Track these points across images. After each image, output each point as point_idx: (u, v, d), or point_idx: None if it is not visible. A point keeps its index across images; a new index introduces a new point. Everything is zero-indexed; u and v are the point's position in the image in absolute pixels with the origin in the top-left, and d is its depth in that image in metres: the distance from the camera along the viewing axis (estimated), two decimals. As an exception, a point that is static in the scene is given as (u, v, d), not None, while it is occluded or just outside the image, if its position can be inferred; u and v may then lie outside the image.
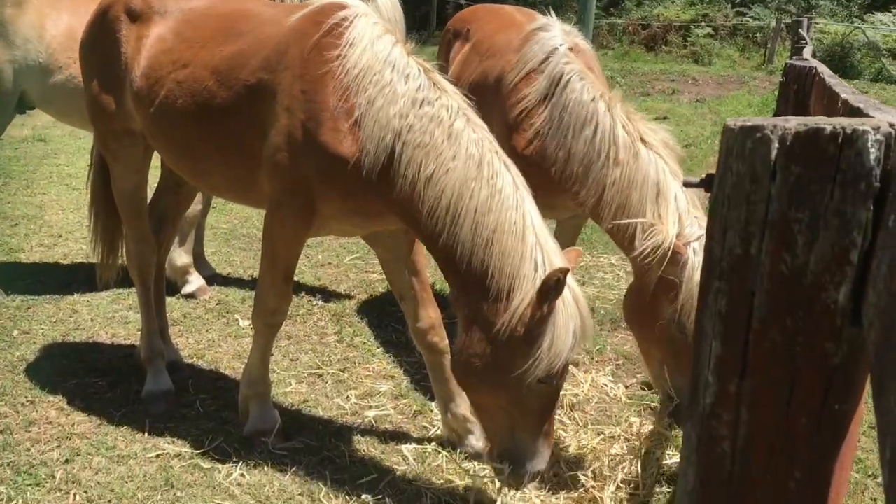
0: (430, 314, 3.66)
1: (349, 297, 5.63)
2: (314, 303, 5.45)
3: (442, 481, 3.45)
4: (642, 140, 3.37)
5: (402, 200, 3.06)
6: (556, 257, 2.88)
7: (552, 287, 2.76)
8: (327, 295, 5.63)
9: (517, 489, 3.13)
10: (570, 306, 2.85)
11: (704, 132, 11.54)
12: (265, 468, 3.48)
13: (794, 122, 0.98)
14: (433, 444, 3.77)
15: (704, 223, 3.10)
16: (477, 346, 2.90)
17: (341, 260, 6.41)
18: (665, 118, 12.78)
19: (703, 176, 1.19)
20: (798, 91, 3.91)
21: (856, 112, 1.34)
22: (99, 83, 3.95)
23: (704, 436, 1.09)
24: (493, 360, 2.86)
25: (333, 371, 4.48)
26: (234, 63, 3.41)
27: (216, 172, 3.61)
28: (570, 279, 2.83)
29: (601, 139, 3.38)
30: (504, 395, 2.90)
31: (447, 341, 3.64)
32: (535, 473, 3.00)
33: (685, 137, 11.06)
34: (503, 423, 2.99)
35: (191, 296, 5.43)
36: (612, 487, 3.38)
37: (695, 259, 3.00)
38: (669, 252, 3.04)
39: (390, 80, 3.09)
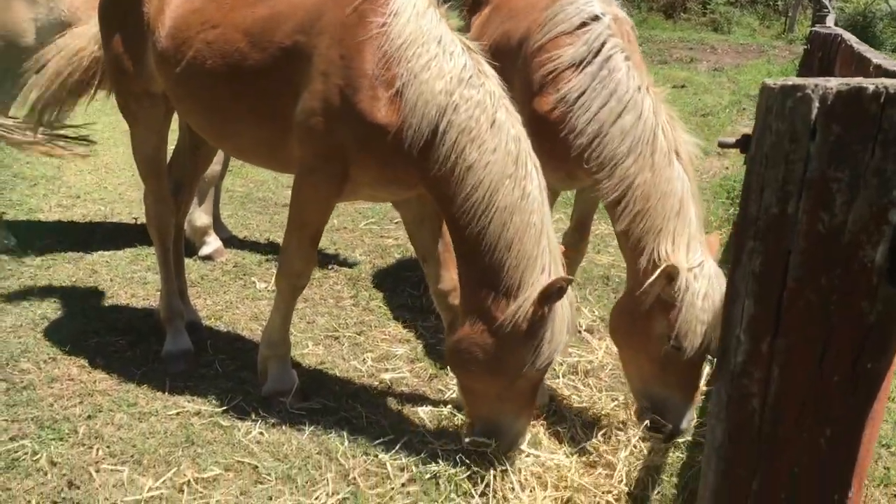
0: (453, 276, 3.69)
1: (365, 261, 5.65)
2: (330, 267, 5.48)
3: (456, 444, 3.49)
4: (676, 152, 3.25)
5: (439, 180, 3.10)
6: (559, 263, 3.11)
7: (555, 292, 2.98)
8: (343, 259, 5.66)
9: (504, 461, 3.28)
10: (566, 307, 3.08)
11: (722, 101, 11.43)
12: (283, 427, 3.53)
13: (835, 82, 0.98)
14: (448, 407, 3.81)
15: (706, 248, 3.20)
16: (479, 337, 3.10)
17: (357, 225, 6.43)
18: (683, 86, 12.68)
19: (740, 136, 1.19)
20: (823, 58, 3.87)
21: (892, 75, 1.33)
22: (119, 43, 3.93)
23: (735, 394, 1.10)
24: (495, 350, 3.08)
25: (350, 334, 4.52)
26: (267, 25, 3.38)
27: (245, 134, 3.60)
28: None
29: (640, 135, 3.21)
30: (500, 382, 3.13)
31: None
32: (516, 447, 3.29)
33: (703, 106, 10.98)
34: (492, 406, 3.24)
35: (208, 258, 5.47)
36: (626, 452, 3.41)
37: (696, 285, 3.04)
38: (681, 278, 3.05)
39: (435, 54, 3.09)
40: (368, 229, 6.36)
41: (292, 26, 3.32)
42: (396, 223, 6.45)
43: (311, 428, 3.53)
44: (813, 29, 4.21)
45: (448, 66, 3.09)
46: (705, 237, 3.26)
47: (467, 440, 3.33)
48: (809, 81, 1.00)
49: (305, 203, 3.46)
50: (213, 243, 5.52)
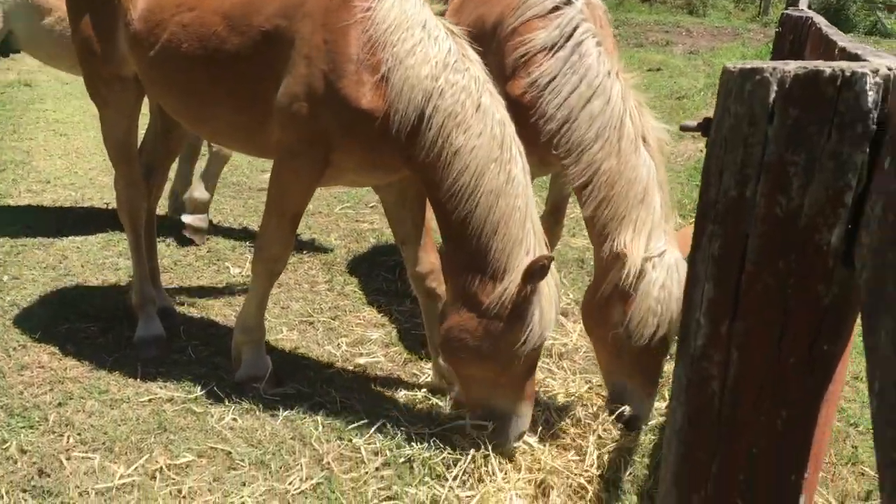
0: (431, 259, 3.71)
1: (340, 246, 5.63)
2: (305, 251, 5.45)
3: (431, 428, 3.49)
4: (644, 138, 3.26)
5: (426, 166, 3.11)
6: (543, 245, 3.13)
7: (537, 270, 2.99)
8: (318, 244, 5.63)
9: (504, 447, 3.27)
10: (551, 286, 3.10)
11: (697, 84, 11.47)
12: (257, 413, 3.52)
13: (793, 65, 0.98)
14: (423, 391, 3.81)
15: (671, 237, 3.20)
16: (469, 323, 3.11)
17: (332, 209, 6.40)
18: (658, 70, 12.70)
19: (701, 120, 1.19)
20: (794, 41, 3.88)
21: (853, 58, 1.34)
22: (89, 25, 3.86)
23: (694, 377, 1.11)
24: (485, 335, 3.09)
25: (324, 319, 4.50)
26: (247, 8, 3.34)
27: (222, 118, 3.56)
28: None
29: (608, 121, 3.22)
30: (494, 365, 3.13)
31: (444, 288, 3.72)
32: (521, 433, 3.26)
33: (678, 89, 11.01)
34: (490, 391, 3.24)
35: (187, 231, 5.37)
36: (595, 436, 3.43)
37: (653, 274, 3.05)
38: (636, 267, 3.06)
39: (420, 39, 3.09)
40: (344, 213, 6.33)
41: (273, 10, 3.28)
42: (372, 207, 6.43)
43: (285, 413, 3.52)
44: (785, 12, 4.22)
45: (433, 50, 3.09)
46: (685, 227, 3.28)
47: (468, 422, 3.33)
48: (768, 65, 1.00)
49: (286, 188, 3.44)
50: (199, 219, 5.41)
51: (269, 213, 3.52)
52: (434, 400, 3.74)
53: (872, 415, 0.66)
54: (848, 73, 0.93)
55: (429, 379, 3.91)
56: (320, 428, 3.43)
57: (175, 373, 3.85)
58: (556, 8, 3.43)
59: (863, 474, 3.38)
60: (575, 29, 3.34)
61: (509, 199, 3.04)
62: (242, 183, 6.98)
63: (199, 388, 3.70)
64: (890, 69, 0.97)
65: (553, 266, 3.09)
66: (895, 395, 0.58)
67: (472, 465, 3.23)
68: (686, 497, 1.13)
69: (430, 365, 3.93)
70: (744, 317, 1.04)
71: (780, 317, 1.00)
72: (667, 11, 20.09)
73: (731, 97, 1.03)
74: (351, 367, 4.01)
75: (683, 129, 1.31)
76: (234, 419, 3.47)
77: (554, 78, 3.28)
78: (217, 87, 3.46)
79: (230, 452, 3.25)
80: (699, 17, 19.47)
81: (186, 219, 5.37)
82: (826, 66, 0.95)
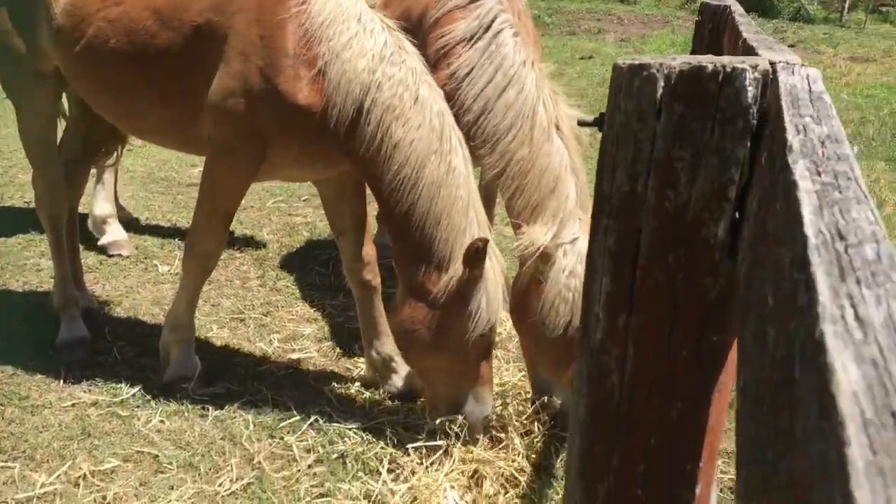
0: (367, 251, 3.71)
1: (272, 240, 5.56)
2: (236, 247, 5.36)
3: (365, 422, 3.48)
4: (557, 126, 3.27)
5: (367, 160, 3.12)
6: (486, 232, 3.16)
7: (473, 254, 3.01)
8: (250, 239, 5.55)
9: (473, 436, 3.27)
10: (497, 270, 3.14)
11: (629, 72, 11.62)
12: (186, 414, 3.46)
13: (679, 61, 0.99)
14: (357, 385, 3.79)
15: (587, 225, 3.20)
16: (418, 315, 3.14)
17: (264, 203, 6.31)
18: (591, 57, 12.83)
19: (598, 115, 1.20)
20: (713, 30, 3.95)
21: (750, 51, 1.36)
22: (6, 18, 3.72)
23: (595, 370, 1.12)
24: (435, 324, 3.12)
25: (256, 315, 4.44)
26: (177, 3, 3.27)
27: (152, 115, 3.49)
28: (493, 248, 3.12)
29: (521, 110, 3.23)
30: (449, 354, 3.16)
31: (380, 279, 3.78)
32: (484, 418, 3.28)
33: (609, 77, 11.15)
34: (448, 380, 3.26)
35: (107, 248, 5.18)
36: (529, 423, 3.46)
37: (563, 261, 3.09)
38: (538, 253, 3.09)
39: (356, 32, 3.09)
40: (276, 207, 6.25)
41: (205, 4, 3.23)
42: (305, 200, 6.36)
43: (215, 413, 3.46)
44: (704, 0, 4.29)
45: (369, 43, 3.09)
46: None
47: (437, 421, 3.30)
48: (655, 60, 1.01)
49: (219, 184, 3.39)
50: (113, 233, 5.22)
51: (202, 210, 3.46)
52: (367, 394, 3.73)
53: (736, 411, 0.67)
54: (729, 69, 0.94)
55: (362, 373, 3.89)
56: (251, 427, 3.39)
57: (100, 375, 3.75)
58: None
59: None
60: (494, 19, 3.35)
61: (451, 189, 3.07)
62: (171, 178, 6.83)
63: (125, 390, 3.61)
64: (772, 64, 0.98)
65: (497, 251, 3.13)
66: (757, 391, 0.59)
67: (407, 458, 3.23)
68: (591, 488, 1.14)
69: (363, 359, 3.91)
70: (638, 311, 1.05)
71: (670, 311, 1.02)
72: (599, -1, 20.31)
73: (621, 93, 1.03)
74: (283, 364, 3.96)
75: (581, 124, 1.32)
76: (162, 421, 3.40)
77: (472, 69, 3.29)
78: (147, 83, 3.39)
79: (157, 456, 3.18)
80: (630, 5, 19.74)
81: (102, 241, 5.16)
82: (708, 62, 0.96)
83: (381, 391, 3.74)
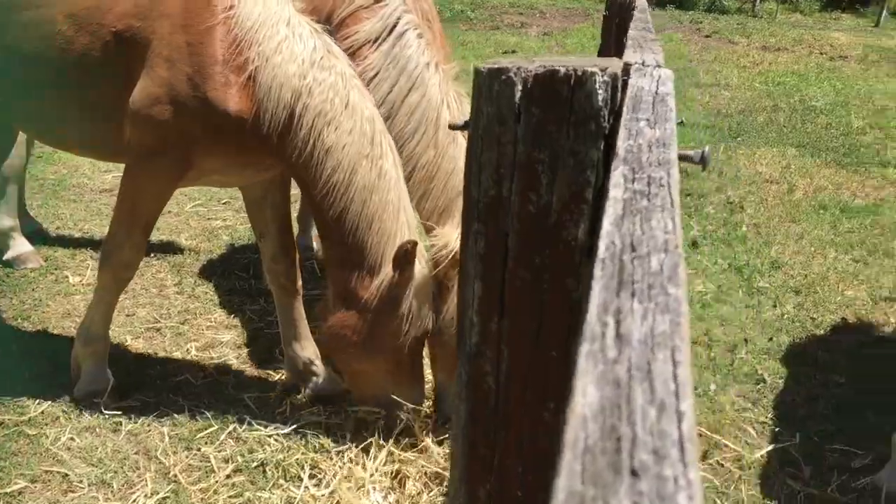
0: (289, 252, 3.66)
1: (191, 246, 5.44)
2: (153, 254, 5.22)
3: (285, 428, 3.44)
4: None
5: (300, 165, 3.10)
6: (416, 236, 3.17)
7: (402, 256, 3.03)
8: (167, 245, 5.42)
9: (397, 433, 3.28)
10: (427, 273, 3.16)
11: (550, 65, 11.75)
12: (98, 430, 3.36)
13: (535, 65, 0.99)
14: (277, 390, 3.74)
15: None
16: (349, 319, 3.14)
17: (182, 208, 6.16)
18: (513, 52, 12.93)
19: (466, 120, 1.20)
20: (619, 24, 4.03)
21: (622, 48, 1.38)
22: None
23: (473, 374, 1.12)
24: (367, 329, 3.12)
25: (173, 324, 4.34)
26: (95, 7, 3.17)
27: (71, 123, 3.38)
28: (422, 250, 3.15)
29: (425, 113, 3.23)
30: (380, 357, 3.18)
31: (300, 283, 3.75)
32: (418, 411, 3.31)
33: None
34: (379, 382, 3.27)
35: (11, 263, 4.95)
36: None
37: None
38: (451, 256, 3.10)
39: (285, 36, 3.06)
40: (195, 212, 6.12)
41: (125, 9, 3.15)
42: (225, 203, 6.25)
43: (129, 427, 3.37)
44: (610, -5, 4.38)
45: (299, 48, 3.06)
46: None
47: (355, 409, 3.37)
48: (513, 64, 1.01)
49: (140, 192, 3.31)
50: (18, 247, 4.98)
51: (120, 218, 3.37)
52: (288, 399, 3.68)
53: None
54: (580, 73, 0.95)
55: (283, 377, 3.84)
56: (166, 439, 3.31)
57: (6, 393, 3.60)
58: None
59: (701, 435, 3.57)
60: (398, 20, 3.34)
61: (382, 193, 3.08)
62: (84, 185, 6.62)
63: (32, 408, 3.48)
64: (628, 65, 1.00)
65: (425, 257, 3.16)
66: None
67: (329, 462, 3.20)
68: (473, 492, 1.14)
69: (283, 364, 3.85)
70: (509, 314, 1.06)
71: (538, 313, 1.02)
72: (521, -7, 20.47)
73: (482, 97, 1.04)
74: (200, 373, 3.88)
75: (451, 127, 1.32)
76: (72, 438, 3.29)
77: (377, 73, 3.29)
78: (63, 91, 3.30)
79: (67, 475, 3.08)
80: (552, -1, 19.95)
81: (7, 256, 4.91)
82: (561, 66, 0.97)
83: (303, 395, 3.70)
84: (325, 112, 3.03)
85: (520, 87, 0.99)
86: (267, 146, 3.10)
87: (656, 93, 0.90)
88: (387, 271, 3.08)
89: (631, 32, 1.73)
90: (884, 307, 4.97)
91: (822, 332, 4.64)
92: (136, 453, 3.23)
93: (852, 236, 6.16)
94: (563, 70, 0.96)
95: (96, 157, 3.72)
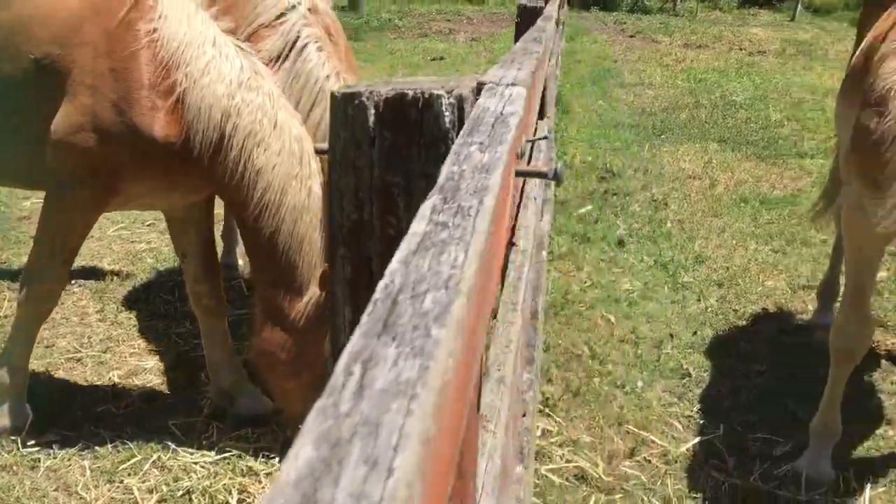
0: (213, 274, 3.60)
1: (113, 271, 5.31)
2: (74, 281, 5.08)
3: (212, 452, 3.38)
4: None
5: (231, 188, 3.05)
6: None
7: (328, 275, 2.92)
8: (89, 271, 5.28)
9: None
10: None
11: (479, 70, 11.84)
12: (14, 468, 3.25)
13: (386, 88, 0.99)
14: (203, 414, 3.68)
15: None
16: (278, 338, 3.11)
17: (104, 232, 6.01)
18: (442, 58, 12.99)
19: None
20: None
21: (500, 63, 1.39)
22: None
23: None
24: (295, 347, 3.09)
25: (94, 353, 4.23)
26: (11, 35, 3.08)
27: None
28: None
29: (326, 129, 3.15)
30: (307, 377, 3.11)
31: (225, 304, 3.70)
32: None
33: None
34: (310, 399, 3.10)
35: None
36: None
37: None
38: None
39: (212, 56, 3.02)
40: (118, 235, 5.98)
41: (44, 37, 3.06)
42: (149, 225, 6.12)
43: (48, 463, 3.28)
44: (521, 2, 4.42)
45: (226, 68, 3.02)
46: None
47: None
48: (365, 88, 1.01)
49: (62, 220, 3.23)
50: None
51: (41, 247, 3.29)
52: (215, 423, 3.62)
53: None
54: (427, 95, 0.96)
55: (208, 401, 3.77)
56: (87, 473, 3.22)
57: (-84, 437, 3.46)
58: (282, 15, 3.40)
59: (628, 433, 3.63)
60: (298, 36, 3.34)
61: (311, 214, 3.06)
62: (0, 213, 6.41)
63: (-56, 450, 3.35)
64: (479, 84, 1.00)
65: None
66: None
67: (258, 486, 3.16)
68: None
69: (209, 388, 3.79)
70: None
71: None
72: (448, 0, 20.59)
73: (338, 123, 1.03)
74: (123, 402, 3.79)
75: (318, 152, 1.32)
76: (-13, 479, 3.18)
77: (282, 91, 3.25)
78: None
79: (-19, 518, 2.98)
80: (479, 5, 20.13)
81: None
82: (410, 89, 0.97)
83: (230, 418, 3.64)
84: (254, 132, 3.00)
85: (372, 112, 0.99)
86: (197, 169, 3.05)
87: (501, 113, 0.91)
88: (314, 290, 3.05)
89: (517, 45, 1.74)
90: (802, 295, 5.13)
91: (744, 322, 4.76)
92: (55, 490, 3.14)
93: (772, 227, 6.34)
94: (411, 93, 0.96)
95: (16, 185, 3.61)
